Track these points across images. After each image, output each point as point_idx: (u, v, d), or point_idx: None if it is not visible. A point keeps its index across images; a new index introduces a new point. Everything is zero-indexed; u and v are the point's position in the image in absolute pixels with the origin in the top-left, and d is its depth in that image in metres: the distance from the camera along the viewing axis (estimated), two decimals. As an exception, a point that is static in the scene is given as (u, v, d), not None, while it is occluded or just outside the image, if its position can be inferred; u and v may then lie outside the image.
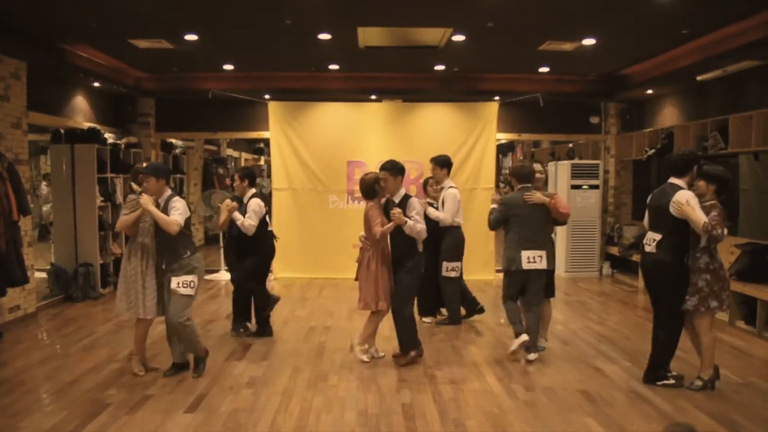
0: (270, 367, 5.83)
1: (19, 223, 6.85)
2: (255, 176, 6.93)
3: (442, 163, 7.34)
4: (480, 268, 10.25)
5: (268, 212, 6.83)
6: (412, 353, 5.90)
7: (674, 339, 5.29)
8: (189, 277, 5.27)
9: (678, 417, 4.66)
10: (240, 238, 6.59)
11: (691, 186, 5.23)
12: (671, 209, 5.11)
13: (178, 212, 5.21)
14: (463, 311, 7.57)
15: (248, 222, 6.42)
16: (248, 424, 4.52)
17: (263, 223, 6.64)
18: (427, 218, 7.19)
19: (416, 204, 5.80)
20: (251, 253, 6.67)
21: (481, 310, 7.68)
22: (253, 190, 6.71)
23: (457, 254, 7.31)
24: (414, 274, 5.79)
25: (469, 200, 10.05)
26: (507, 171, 19.03)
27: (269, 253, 6.87)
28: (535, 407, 4.87)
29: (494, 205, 6.17)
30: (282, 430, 4.44)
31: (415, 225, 5.66)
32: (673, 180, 5.27)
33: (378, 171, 5.92)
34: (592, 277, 10.75)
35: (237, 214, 6.45)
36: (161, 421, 4.53)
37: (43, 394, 5.08)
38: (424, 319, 7.46)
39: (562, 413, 4.75)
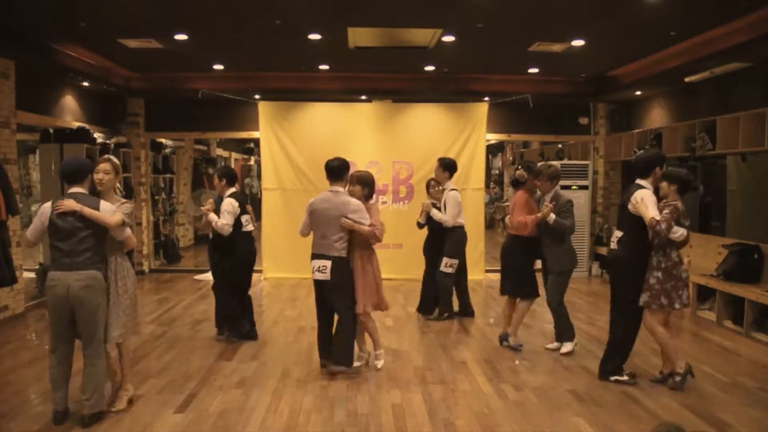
0: (260, 367, 5.82)
1: (7, 222, 6.81)
2: (234, 175, 6.73)
3: (446, 166, 7.53)
4: (470, 268, 10.19)
5: (243, 212, 6.52)
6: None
7: (629, 335, 5.42)
8: None
9: (666, 416, 4.69)
10: (215, 239, 6.53)
11: (657, 187, 5.37)
12: (629, 207, 5.27)
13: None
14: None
15: (221, 222, 6.27)
16: (238, 424, 4.52)
17: (238, 224, 6.44)
18: (430, 218, 7.48)
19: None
20: (227, 256, 6.53)
21: (472, 314, 7.83)
22: (233, 189, 6.54)
23: (458, 252, 7.51)
24: None
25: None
26: (496, 172, 19.12)
27: (245, 255, 6.61)
28: (525, 407, 4.89)
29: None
30: (272, 430, 4.44)
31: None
32: (638, 181, 5.42)
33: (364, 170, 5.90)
34: (581, 277, 10.78)
35: (212, 216, 6.31)
36: (150, 422, 4.52)
37: (32, 395, 5.06)
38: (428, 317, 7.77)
39: (552, 413, 4.78)
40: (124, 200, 4.72)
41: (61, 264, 4.36)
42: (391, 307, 8.27)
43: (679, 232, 5.13)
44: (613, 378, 5.43)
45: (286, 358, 6.11)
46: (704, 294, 7.85)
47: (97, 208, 4.39)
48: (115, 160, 4.83)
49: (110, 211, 4.45)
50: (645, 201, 5.14)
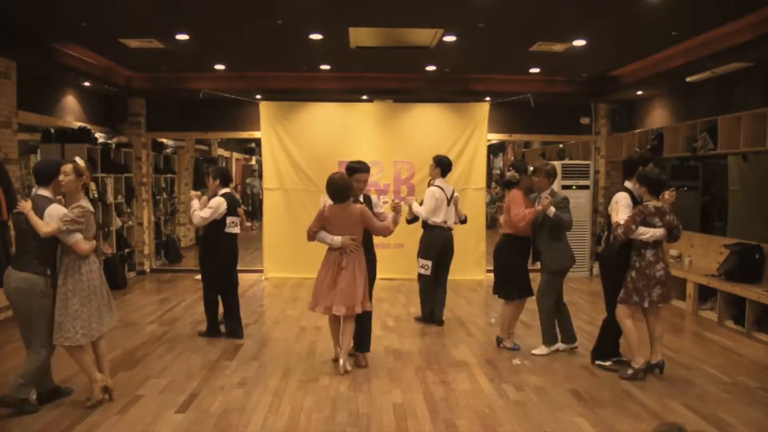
0: (261, 367, 5.83)
1: (8, 222, 6.81)
2: (228, 176, 6.86)
3: (437, 162, 7.52)
4: (471, 268, 10.29)
5: (231, 213, 6.54)
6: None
7: (614, 327, 5.69)
8: None
9: (667, 416, 4.69)
10: (201, 238, 6.68)
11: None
12: (609, 208, 5.58)
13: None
14: None
15: (197, 212, 6.39)
16: (239, 424, 4.52)
17: (221, 224, 6.50)
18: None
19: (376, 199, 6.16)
20: (208, 255, 6.66)
21: (438, 322, 7.44)
22: (226, 190, 6.64)
23: (429, 252, 7.34)
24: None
25: (460, 200, 10.04)
26: (497, 171, 19.10)
27: (225, 255, 6.62)
28: (526, 407, 4.89)
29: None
30: (273, 430, 4.44)
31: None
32: (624, 182, 5.70)
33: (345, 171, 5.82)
34: (582, 277, 10.78)
35: (195, 202, 6.48)
36: (152, 422, 4.52)
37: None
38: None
39: (553, 413, 4.78)
40: (80, 203, 4.58)
41: (13, 263, 4.59)
42: (391, 307, 8.34)
43: (648, 233, 5.29)
44: (598, 362, 5.78)
45: (288, 358, 6.11)
46: (705, 294, 7.85)
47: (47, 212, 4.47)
48: (80, 162, 4.69)
49: (54, 216, 4.44)
50: (618, 204, 5.45)
